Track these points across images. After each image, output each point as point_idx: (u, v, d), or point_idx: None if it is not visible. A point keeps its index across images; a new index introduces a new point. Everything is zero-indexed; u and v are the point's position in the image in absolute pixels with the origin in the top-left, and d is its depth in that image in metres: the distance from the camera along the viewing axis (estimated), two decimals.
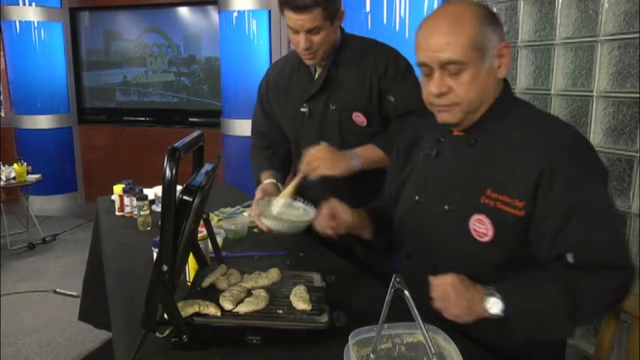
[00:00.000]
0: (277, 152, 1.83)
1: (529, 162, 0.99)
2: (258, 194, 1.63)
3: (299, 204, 1.51)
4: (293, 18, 1.50)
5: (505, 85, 1.11)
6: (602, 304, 1.03)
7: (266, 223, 1.44)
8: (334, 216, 1.25)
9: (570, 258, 0.97)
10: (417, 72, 1.38)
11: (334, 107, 1.65)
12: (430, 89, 1.05)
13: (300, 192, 1.54)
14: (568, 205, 0.97)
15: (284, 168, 1.82)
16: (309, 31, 1.52)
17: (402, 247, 1.25)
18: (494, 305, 0.96)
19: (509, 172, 1.02)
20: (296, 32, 1.54)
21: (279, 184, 1.69)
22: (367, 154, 1.59)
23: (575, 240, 0.97)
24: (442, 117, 1.10)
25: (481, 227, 1.05)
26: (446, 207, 1.10)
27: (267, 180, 1.69)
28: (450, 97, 1.04)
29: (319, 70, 1.67)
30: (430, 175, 1.17)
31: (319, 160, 1.50)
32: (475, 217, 1.05)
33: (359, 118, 1.64)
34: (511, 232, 1.02)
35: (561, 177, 0.97)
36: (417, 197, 1.18)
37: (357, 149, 1.59)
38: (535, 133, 1.03)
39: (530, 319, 0.98)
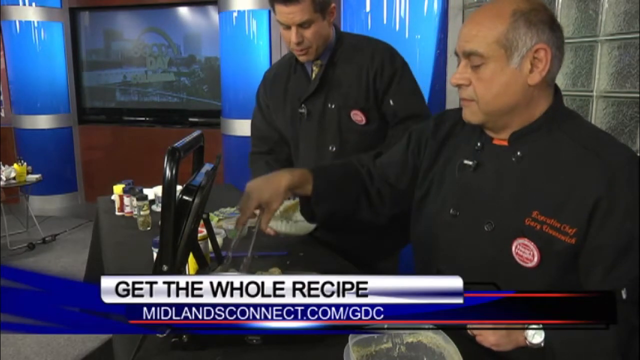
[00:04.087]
0: (278, 158, 1.81)
1: (586, 184, 0.92)
2: None
3: None
4: (283, 12, 1.50)
5: (557, 94, 1.03)
6: None
7: (272, 226, 1.44)
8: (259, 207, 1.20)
9: (624, 294, 0.89)
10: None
11: (332, 107, 1.64)
12: (452, 77, 1.03)
13: None
14: (627, 236, 0.89)
15: None
16: (300, 25, 1.51)
17: (432, 262, 1.17)
18: (535, 334, 0.88)
19: (562, 193, 0.94)
20: (287, 27, 1.53)
21: None
22: None
23: (632, 275, 0.90)
24: (464, 114, 1.05)
25: (525, 252, 0.98)
26: (486, 227, 1.03)
27: None
28: (469, 91, 1.01)
29: (315, 70, 1.66)
30: (469, 189, 1.08)
31: None
32: (519, 241, 0.98)
33: (357, 116, 1.63)
34: (558, 259, 0.95)
35: (621, 206, 0.90)
36: (452, 211, 1.10)
37: None
38: (594, 152, 0.94)
39: (575, 353, 0.89)
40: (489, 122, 1.04)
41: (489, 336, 0.91)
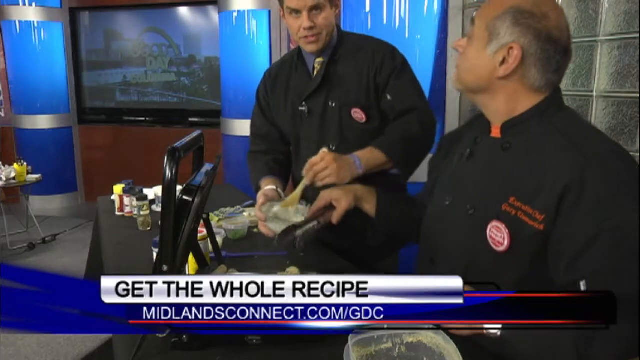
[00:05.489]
0: (277, 158, 1.79)
1: (558, 171, 0.93)
2: (260, 199, 1.58)
3: (301, 206, 1.50)
4: None
5: (554, 90, 1.03)
6: (621, 348, 0.85)
7: (272, 227, 1.44)
8: (328, 206, 1.29)
9: (582, 286, 0.87)
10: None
11: (333, 105, 1.64)
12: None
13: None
14: (595, 227, 0.88)
15: (284, 174, 1.78)
16: (312, 9, 1.52)
17: (427, 251, 1.19)
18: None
19: (537, 181, 0.95)
20: (297, 12, 1.54)
21: (279, 190, 1.67)
22: (368, 158, 1.54)
23: (595, 268, 0.87)
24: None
25: (498, 235, 1.00)
26: (469, 211, 1.06)
27: (268, 187, 1.66)
28: (459, 57, 1.08)
29: (317, 67, 1.67)
30: (461, 177, 1.12)
31: (325, 169, 1.45)
32: (494, 224, 1.00)
33: (357, 114, 1.63)
34: (528, 245, 0.96)
35: (591, 195, 0.88)
36: (447, 200, 1.13)
37: (358, 153, 1.54)
38: (574, 143, 0.95)
39: (532, 349, 0.88)
40: (466, 94, 1.09)
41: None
